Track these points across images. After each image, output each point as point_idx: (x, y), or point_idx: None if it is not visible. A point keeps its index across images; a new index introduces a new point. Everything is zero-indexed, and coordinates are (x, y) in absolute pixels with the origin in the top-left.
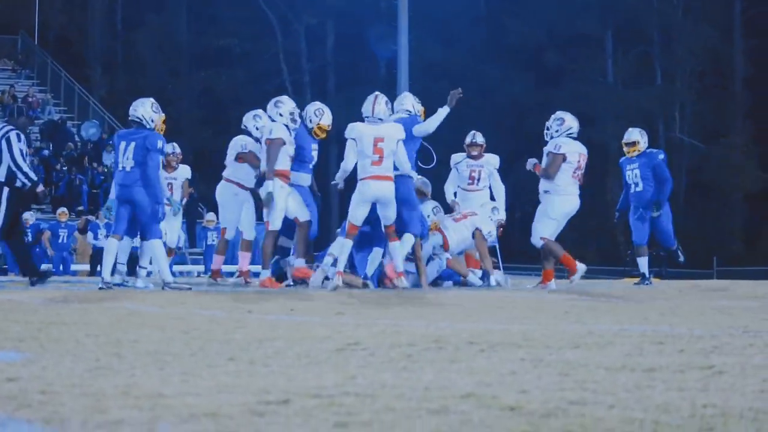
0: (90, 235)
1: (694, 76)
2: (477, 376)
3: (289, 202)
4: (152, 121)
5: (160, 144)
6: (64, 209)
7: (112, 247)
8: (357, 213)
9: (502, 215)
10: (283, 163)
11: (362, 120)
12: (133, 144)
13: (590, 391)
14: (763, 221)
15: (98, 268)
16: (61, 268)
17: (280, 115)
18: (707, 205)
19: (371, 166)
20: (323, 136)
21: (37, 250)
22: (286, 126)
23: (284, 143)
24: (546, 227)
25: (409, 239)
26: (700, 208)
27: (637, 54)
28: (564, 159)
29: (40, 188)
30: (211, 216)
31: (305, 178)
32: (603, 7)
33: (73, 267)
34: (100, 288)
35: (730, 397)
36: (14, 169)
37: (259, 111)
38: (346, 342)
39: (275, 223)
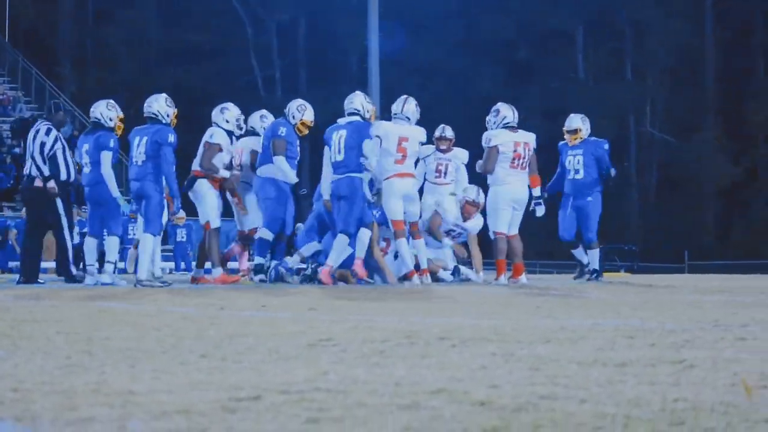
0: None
1: (665, 71)
2: (448, 371)
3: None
4: (168, 115)
5: (171, 138)
6: None
7: (147, 245)
8: (394, 208)
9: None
10: (216, 168)
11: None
12: (145, 138)
13: (561, 386)
14: (734, 215)
15: (79, 265)
16: None
17: (227, 121)
18: (678, 199)
19: (394, 164)
20: (306, 132)
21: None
22: (230, 132)
23: (221, 150)
24: (495, 220)
25: (365, 234)
26: (672, 202)
27: (608, 49)
28: (497, 150)
29: (51, 184)
30: (181, 213)
31: (291, 175)
32: (574, 2)
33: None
34: (136, 286)
35: (701, 391)
36: (29, 160)
37: (264, 111)
38: (318, 338)
39: (214, 222)
